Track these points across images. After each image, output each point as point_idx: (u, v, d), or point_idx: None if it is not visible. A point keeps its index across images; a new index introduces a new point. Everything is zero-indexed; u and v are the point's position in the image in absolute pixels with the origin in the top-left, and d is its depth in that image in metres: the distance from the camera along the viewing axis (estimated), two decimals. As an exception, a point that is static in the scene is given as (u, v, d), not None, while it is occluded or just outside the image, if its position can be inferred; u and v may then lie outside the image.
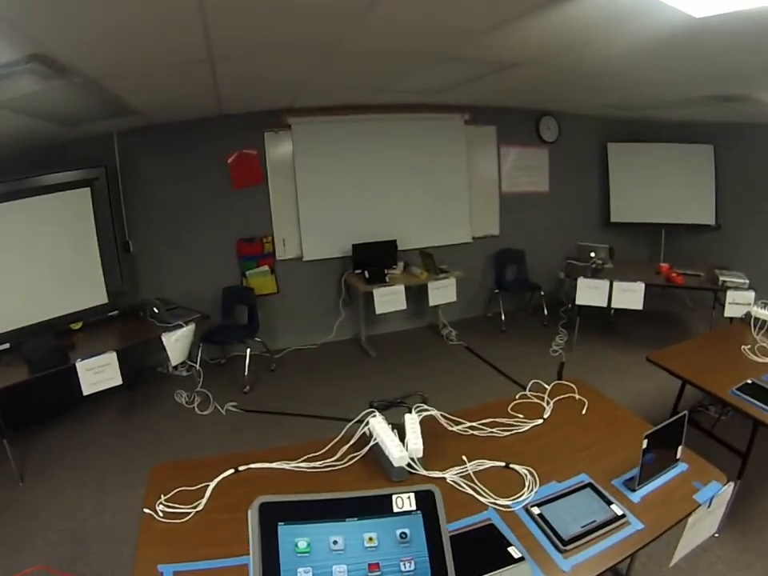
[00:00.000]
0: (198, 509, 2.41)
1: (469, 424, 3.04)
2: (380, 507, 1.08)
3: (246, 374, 6.82)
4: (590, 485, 2.51)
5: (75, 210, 6.15)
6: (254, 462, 2.73)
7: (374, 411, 2.89)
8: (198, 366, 6.48)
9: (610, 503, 2.38)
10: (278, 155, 7.69)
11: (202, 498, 2.47)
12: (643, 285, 6.74)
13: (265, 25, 3.46)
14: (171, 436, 5.71)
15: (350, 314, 8.34)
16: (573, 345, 7.50)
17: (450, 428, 3.03)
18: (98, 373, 5.14)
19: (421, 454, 2.63)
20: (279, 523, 1.07)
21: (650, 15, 3.37)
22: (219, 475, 2.63)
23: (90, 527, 4.29)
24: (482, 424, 3.05)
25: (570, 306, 7.63)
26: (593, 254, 7.48)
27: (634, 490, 2.50)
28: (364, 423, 2.85)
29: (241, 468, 2.70)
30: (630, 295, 6.78)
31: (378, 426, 2.77)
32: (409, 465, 2.59)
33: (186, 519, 2.35)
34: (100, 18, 2.85)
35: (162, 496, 2.46)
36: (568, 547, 2.16)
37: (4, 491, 4.80)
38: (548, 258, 9.05)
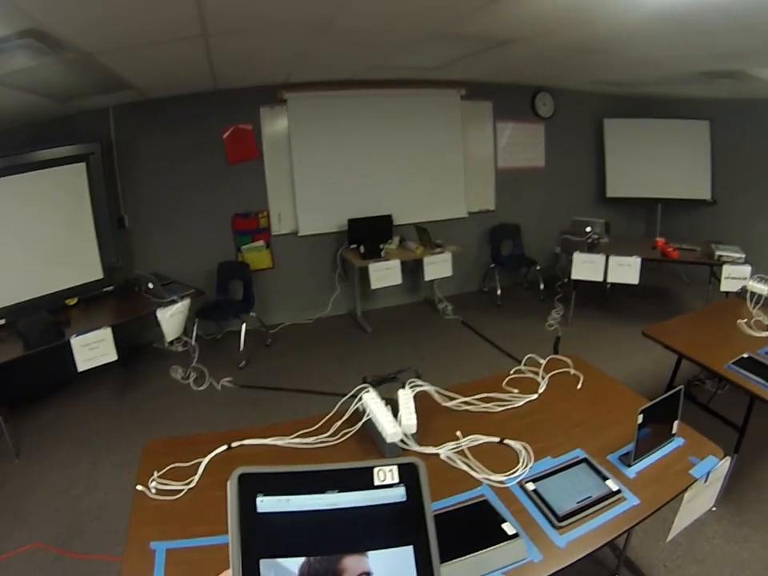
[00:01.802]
0: (191, 485, 2.39)
1: (463, 399, 3.00)
2: (361, 480, 1.04)
3: (241, 349, 6.80)
4: (585, 460, 2.48)
5: (70, 185, 6.09)
6: (247, 439, 2.71)
7: (367, 386, 2.86)
8: (193, 342, 6.42)
9: (605, 479, 2.35)
10: (274, 130, 7.63)
11: (195, 474, 2.45)
12: (639, 259, 6.71)
13: (256, 2, 3.41)
14: (166, 412, 5.69)
15: (345, 289, 8.32)
16: (569, 319, 7.48)
17: (444, 403, 2.99)
18: (93, 349, 5.09)
19: (414, 430, 2.60)
20: (258, 494, 1.03)
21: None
22: (212, 452, 2.60)
23: (84, 505, 4.28)
24: (476, 399, 3.01)
25: (566, 280, 7.60)
26: (588, 229, 7.46)
27: (629, 466, 2.47)
28: (357, 399, 2.82)
29: (234, 444, 2.67)
30: (625, 270, 6.76)
31: (371, 401, 2.74)
32: (402, 441, 2.56)
33: (178, 496, 2.33)
34: None
35: (155, 473, 2.44)
36: (563, 523, 2.13)
37: (1, 470, 4.78)
38: (544, 233, 9.04)
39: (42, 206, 5.85)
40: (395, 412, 2.64)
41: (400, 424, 2.57)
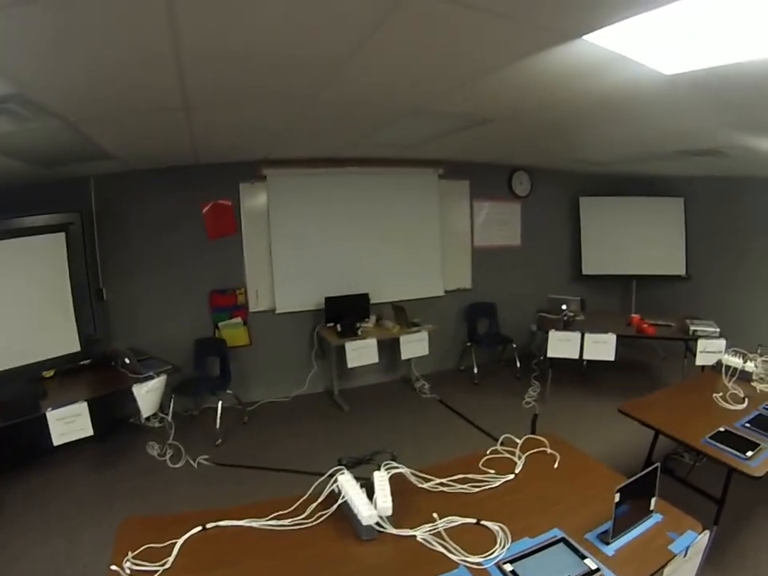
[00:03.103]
0: (166, 567, 2.33)
1: (439, 480, 2.98)
2: None
3: (217, 426, 6.69)
4: (563, 539, 2.47)
5: (49, 255, 6.05)
6: (222, 519, 2.67)
7: (342, 468, 2.84)
8: (169, 418, 6.34)
9: (583, 557, 2.34)
10: (253, 206, 7.68)
11: (170, 555, 2.39)
12: (614, 336, 6.77)
13: (240, 76, 3.46)
14: (143, 490, 5.55)
15: (322, 367, 8.25)
16: (546, 397, 7.45)
17: (421, 485, 2.97)
18: (69, 423, 5.00)
19: (390, 513, 2.57)
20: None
21: (620, 72, 3.40)
22: (187, 532, 2.56)
23: None
24: (452, 480, 2.99)
25: (542, 358, 7.61)
26: (564, 307, 7.53)
27: (608, 543, 2.46)
28: (332, 480, 2.79)
29: (209, 525, 2.63)
30: (601, 347, 6.80)
31: (347, 483, 2.71)
32: (378, 524, 2.53)
33: None
34: (79, 62, 2.84)
35: (130, 553, 2.38)
36: (542, 605, 2.10)
37: None
38: (520, 311, 9.02)
39: (19, 275, 5.79)
40: (371, 494, 2.62)
41: (376, 506, 2.54)
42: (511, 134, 6.04)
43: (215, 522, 2.65)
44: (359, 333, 7.41)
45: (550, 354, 7.12)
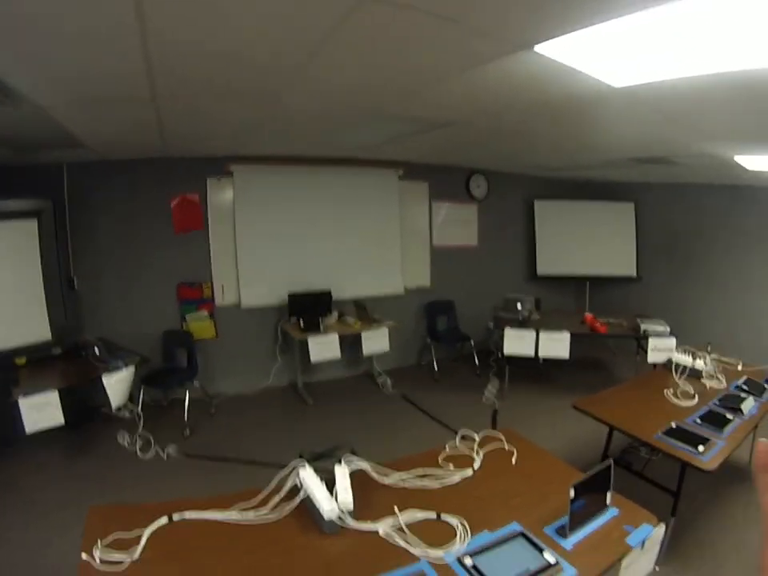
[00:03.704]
0: (134, 557, 2.29)
1: (399, 476, 2.94)
2: None
3: (186, 418, 6.59)
4: (521, 533, 2.44)
5: (20, 241, 5.87)
6: (188, 510, 2.62)
7: (302, 461, 2.78)
8: (139, 409, 6.18)
9: (542, 551, 2.31)
10: (220, 202, 7.59)
11: (138, 545, 2.35)
12: (568, 334, 6.80)
13: (203, 71, 3.39)
14: (113, 479, 5.43)
15: (286, 361, 8.17)
16: (504, 392, 7.41)
17: (382, 480, 2.91)
18: (41, 411, 4.87)
19: (351, 507, 2.51)
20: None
21: (571, 82, 3.39)
22: (153, 522, 2.50)
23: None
24: (414, 475, 2.95)
25: (499, 355, 7.59)
26: (519, 305, 7.55)
27: (565, 537, 2.43)
28: (294, 474, 2.73)
29: (175, 517, 2.57)
30: (556, 344, 6.83)
31: (307, 477, 2.66)
32: (339, 518, 2.47)
33: (122, 569, 2.22)
34: (52, 49, 2.77)
35: (99, 541, 2.32)
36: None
37: None
38: (478, 309, 9.05)
39: None
40: (333, 488, 2.56)
41: (336, 500, 2.48)
42: (467, 139, 6.05)
43: (180, 513, 2.60)
44: (321, 328, 7.37)
45: (506, 351, 7.14)
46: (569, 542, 2.41)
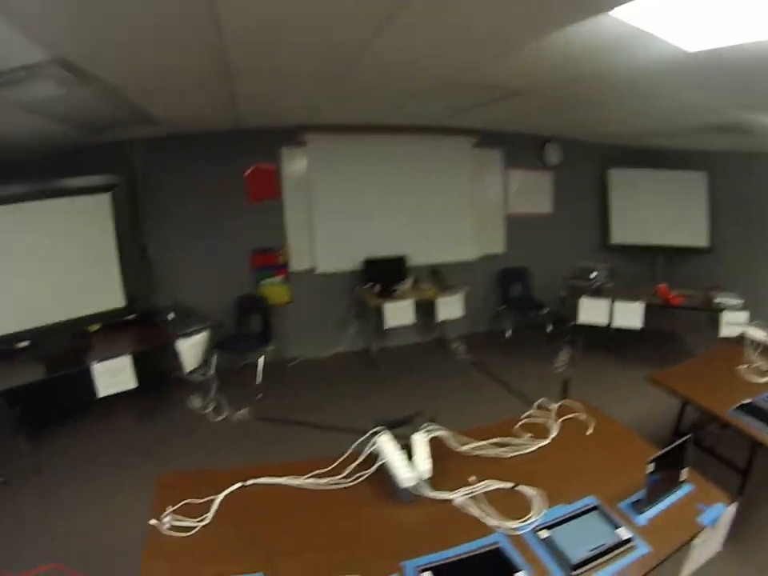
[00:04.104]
0: (205, 522, 2.32)
1: (476, 444, 2.90)
2: None
3: (258, 382, 6.69)
4: (596, 507, 2.39)
5: (95, 214, 6.00)
6: (261, 477, 2.63)
7: (381, 429, 2.76)
8: (211, 373, 6.32)
9: (617, 527, 2.26)
10: (294, 170, 7.59)
11: (209, 512, 2.38)
12: (643, 304, 6.64)
13: (276, 51, 3.38)
14: (183, 442, 5.56)
15: (360, 327, 8.20)
16: (575, 362, 7.34)
17: (457, 449, 2.88)
18: (114, 376, 5.02)
19: (429, 475, 2.50)
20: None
21: (644, 48, 3.29)
22: (226, 489, 2.54)
23: (102, 534, 4.09)
24: (489, 444, 2.90)
25: (572, 323, 7.47)
26: (594, 274, 7.41)
27: (640, 513, 2.37)
28: (371, 442, 2.72)
29: (248, 482, 2.60)
30: (629, 314, 6.68)
31: (386, 445, 2.64)
32: (416, 486, 2.46)
33: (192, 533, 2.26)
34: (124, 28, 2.78)
35: (169, 507, 2.37)
36: (576, 572, 2.03)
37: (20, 486, 4.67)
38: (550, 277, 8.84)
39: (67, 233, 5.76)
40: (410, 456, 2.55)
41: (415, 469, 2.47)
42: (539, 107, 5.91)
43: (254, 479, 2.61)
44: (396, 294, 7.35)
45: (580, 320, 7.02)
46: (643, 518, 2.35)
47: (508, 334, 8.47)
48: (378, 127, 7.63)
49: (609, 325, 6.86)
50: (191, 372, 6.09)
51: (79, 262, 5.89)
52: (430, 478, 2.50)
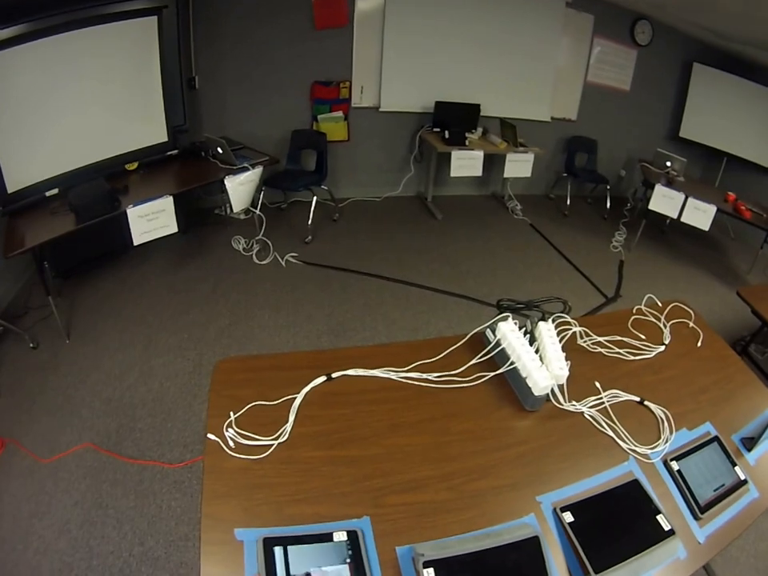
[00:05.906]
0: (282, 440, 1.76)
1: (597, 339, 2.53)
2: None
3: (309, 223, 6.27)
4: (716, 439, 2.10)
5: (140, 41, 5.16)
6: (349, 368, 2.09)
7: (505, 314, 2.31)
8: (258, 212, 5.90)
9: (734, 464, 2.02)
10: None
11: (286, 422, 1.82)
12: (715, 208, 6.27)
13: None
14: (227, 288, 5.20)
15: (418, 172, 7.84)
16: (632, 246, 7.12)
17: (580, 341, 2.51)
18: (152, 220, 4.48)
19: (564, 381, 2.13)
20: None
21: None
22: (306, 385, 1.98)
23: (137, 396, 3.83)
24: (607, 341, 2.53)
25: (635, 206, 7.16)
26: (669, 164, 7.11)
27: (750, 450, 2.13)
28: (488, 328, 2.33)
29: (333, 375, 2.05)
30: (700, 214, 6.34)
31: (514, 338, 2.17)
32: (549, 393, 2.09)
33: (266, 454, 1.71)
34: None
35: (231, 414, 1.81)
36: (704, 515, 1.82)
37: (51, 350, 4.23)
38: (614, 154, 8.70)
39: (105, 63, 4.91)
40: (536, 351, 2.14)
41: (549, 372, 2.06)
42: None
43: (341, 370, 2.07)
44: (467, 143, 6.93)
45: (651, 207, 6.63)
46: (752, 456, 2.11)
47: (568, 202, 8.14)
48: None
49: (678, 219, 6.50)
50: (238, 212, 5.72)
51: (119, 93, 5.11)
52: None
